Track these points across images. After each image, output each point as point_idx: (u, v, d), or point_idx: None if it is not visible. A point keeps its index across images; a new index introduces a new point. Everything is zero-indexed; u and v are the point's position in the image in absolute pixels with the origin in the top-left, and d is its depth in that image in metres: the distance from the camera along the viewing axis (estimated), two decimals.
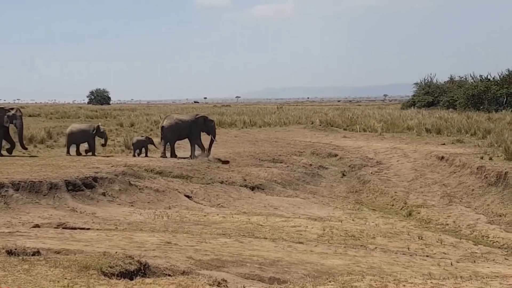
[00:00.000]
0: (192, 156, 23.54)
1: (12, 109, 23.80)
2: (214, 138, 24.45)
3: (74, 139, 23.87)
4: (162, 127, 24.04)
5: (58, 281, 6.84)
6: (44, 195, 15.56)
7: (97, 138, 24.11)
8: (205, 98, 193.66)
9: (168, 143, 23.98)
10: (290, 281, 7.97)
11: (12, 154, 22.76)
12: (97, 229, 12.25)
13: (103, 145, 24.71)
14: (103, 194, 16.77)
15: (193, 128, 23.93)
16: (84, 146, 24.16)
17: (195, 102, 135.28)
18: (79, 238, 10.70)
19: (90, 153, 23.60)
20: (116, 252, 8.70)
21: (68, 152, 23.51)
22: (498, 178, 19.07)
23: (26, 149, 23.54)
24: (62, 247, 9.50)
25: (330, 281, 7.11)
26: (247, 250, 10.44)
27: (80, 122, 26.68)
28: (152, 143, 24.21)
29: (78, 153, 23.72)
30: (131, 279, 7.53)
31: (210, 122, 24.56)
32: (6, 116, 23.03)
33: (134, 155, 23.40)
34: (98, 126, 24.22)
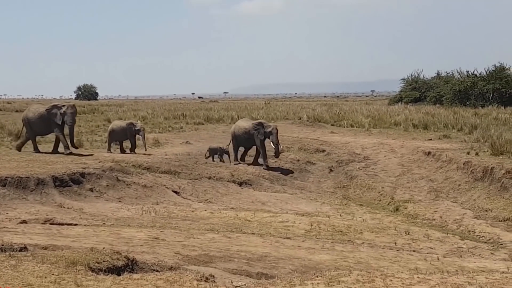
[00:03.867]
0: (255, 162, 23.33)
1: (63, 106, 22.68)
2: (276, 143, 23.11)
3: (115, 136, 23.79)
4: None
5: (45, 277, 6.82)
6: (31, 191, 15.51)
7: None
8: (193, 93, 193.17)
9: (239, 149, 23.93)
10: (277, 276, 7.99)
11: None
12: (85, 225, 12.23)
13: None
14: (91, 189, 16.73)
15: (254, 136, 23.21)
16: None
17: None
18: (66, 234, 10.68)
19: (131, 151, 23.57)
20: (104, 248, 8.69)
21: (109, 149, 23.45)
22: (484, 173, 19.19)
23: (76, 148, 22.35)
24: (49, 242, 9.49)
25: (317, 276, 7.13)
26: (234, 246, 10.46)
27: (121, 120, 26.35)
28: (226, 153, 23.84)
29: (122, 150, 23.68)
30: (119, 274, 7.52)
31: (267, 128, 23.06)
32: (59, 113, 22.12)
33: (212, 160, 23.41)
34: (132, 123, 23.98)
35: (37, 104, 25.87)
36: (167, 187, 18.46)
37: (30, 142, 22.74)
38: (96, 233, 10.90)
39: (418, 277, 7.12)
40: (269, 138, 22.88)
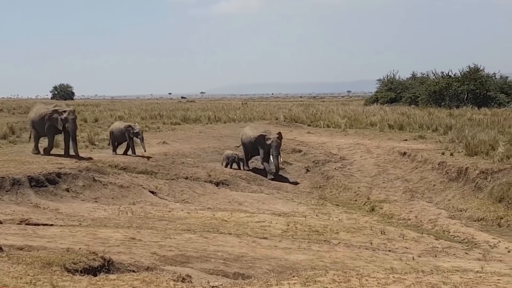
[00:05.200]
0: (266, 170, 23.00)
1: (65, 111, 21.74)
2: (276, 155, 22.64)
3: (114, 138, 23.43)
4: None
5: (20, 278, 6.78)
6: (7, 191, 15.40)
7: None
8: (170, 93, 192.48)
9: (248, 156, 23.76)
10: (254, 276, 8.02)
11: None
12: (61, 225, 12.17)
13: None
14: (67, 190, 16.64)
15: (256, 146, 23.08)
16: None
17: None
18: (42, 234, 10.62)
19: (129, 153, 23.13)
20: (80, 248, 8.66)
21: (114, 150, 23.18)
22: (459, 174, 19.40)
23: (77, 154, 21.24)
24: (25, 243, 9.43)
25: (294, 276, 7.17)
26: (211, 246, 10.47)
27: (120, 122, 25.86)
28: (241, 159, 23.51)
29: (115, 151, 23.31)
30: (95, 275, 7.50)
31: (268, 140, 22.58)
32: (60, 119, 21.38)
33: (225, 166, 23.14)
34: (130, 125, 23.49)
35: (40, 104, 24.99)
36: (144, 187, 18.42)
37: (27, 142, 22.38)
38: (72, 234, 10.85)
39: (393, 276, 7.19)
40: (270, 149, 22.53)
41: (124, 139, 23.29)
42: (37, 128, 22.04)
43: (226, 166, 22.95)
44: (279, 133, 23.27)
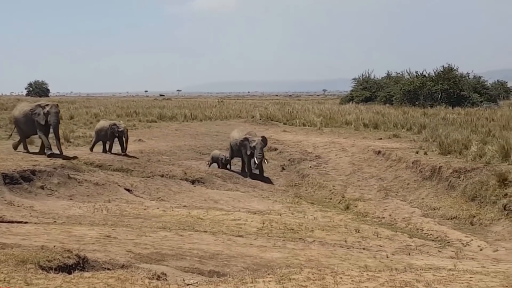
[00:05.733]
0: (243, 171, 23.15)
1: (47, 105, 21.38)
2: (259, 158, 22.48)
3: (99, 137, 23.02)
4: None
5: None
6: None
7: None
8: (146, 91, 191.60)
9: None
10: (229, 274, 8.05)
11: None
12: (35, 223, 12.08)
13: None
14: (42, 187, 16.50)
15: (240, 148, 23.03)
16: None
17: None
18: (16, 232, 10.54)
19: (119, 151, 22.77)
20: (54, 246, 8.62)
21: (91, 149, 22.83)
22: (433, 172, 19.60)
23: (61, 152, 20.88)
24: None
25: (269, 274, 7.22)
26: (187, 244, 10.47)
27: (106, 120, 25.40)
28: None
29: (104, 150, 22.94)
30: (70, 273, 7.47)
31: (252, 143, 22.47)
32: (43, 113, 20.96)
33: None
34: (115, 124, 23.09)
35: (24, 102, 24.64)
36: (119, 185, 18.34)
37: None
38: (46, 231, 10.78)
39: (367, 274, 7.26)
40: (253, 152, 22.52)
41: (107, 137, 22.95)
42: (22, 126, 21.63)
43: (209, 166, 22.96)
44: (263, 137, 23.16)
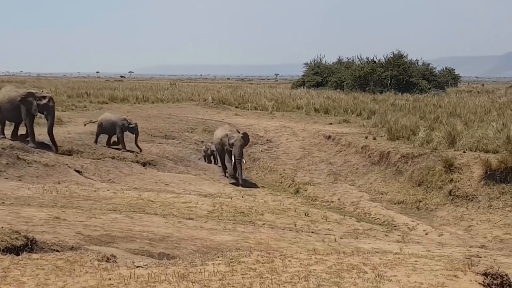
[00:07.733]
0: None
1: (44, 97, 20.14)
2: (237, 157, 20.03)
3: (104, 130, 22.17)
4: None
5: None
6: None
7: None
8: (97, 72, 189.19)
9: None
10: (179, 256, 8.07)
11: None
12: None
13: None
14: None
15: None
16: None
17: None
18: None
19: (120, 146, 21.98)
20: (2, 227, 8.50)
21: (95, 141, 21.99)
22: (381, 158, 19.93)
23: (56, 147, 19.84)
24: None
25: (218, 257, 7.26)
26: (137, 226, 10.46)
27: (111, 112, 24.29)
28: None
29: (108, 143, 22.21)
30: (18, 254, 7.39)
31: (231, 139, 20.13)
32: (36, 104, 19.82)
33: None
34: (125, 119, 22.32)
35: (10, 86, 23.25)
36: (69, 166, 18.11)
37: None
38: None
39: (315, 257, 7.36)
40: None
41: (114, 131, 22.11)
42: (4, 112, 20.19)
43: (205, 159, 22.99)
44: (245, 134, 20.97)
